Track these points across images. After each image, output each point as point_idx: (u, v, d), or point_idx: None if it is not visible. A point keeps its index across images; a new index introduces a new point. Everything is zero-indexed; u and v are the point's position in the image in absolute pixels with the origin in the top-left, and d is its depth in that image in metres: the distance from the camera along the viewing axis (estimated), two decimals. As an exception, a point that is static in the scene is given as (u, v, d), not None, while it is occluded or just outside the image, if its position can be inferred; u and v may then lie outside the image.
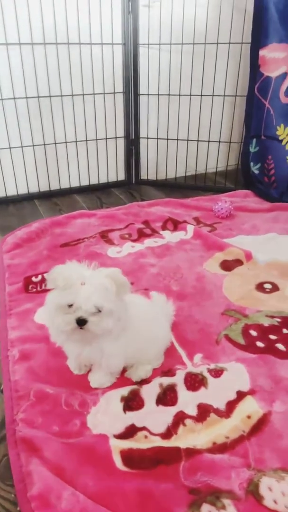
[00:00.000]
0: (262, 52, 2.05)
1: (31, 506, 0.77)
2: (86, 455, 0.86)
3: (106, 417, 0.95)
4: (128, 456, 0.85)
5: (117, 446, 0.87)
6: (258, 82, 2.14)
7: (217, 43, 2.15)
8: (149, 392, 1.01)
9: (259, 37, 2.02)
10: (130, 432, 0.92)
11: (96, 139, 2.32)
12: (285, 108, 2.08)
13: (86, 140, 2.29)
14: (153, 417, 0.95)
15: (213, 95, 2.25)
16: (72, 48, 2.07)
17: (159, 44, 2.21)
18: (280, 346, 1.16)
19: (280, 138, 2.15)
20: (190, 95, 2.28)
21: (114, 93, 2.26)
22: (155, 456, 0.85)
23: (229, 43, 2.13)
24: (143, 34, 2.17)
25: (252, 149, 2.28)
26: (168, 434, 0.91)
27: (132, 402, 0.99)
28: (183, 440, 0.90)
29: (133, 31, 2.14)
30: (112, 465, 0.84)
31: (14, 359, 1.12)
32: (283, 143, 2.14)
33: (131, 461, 0.85)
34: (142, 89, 2.29)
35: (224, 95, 2.27)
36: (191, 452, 0.86)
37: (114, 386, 1.03)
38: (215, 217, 2.01)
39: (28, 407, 0.98)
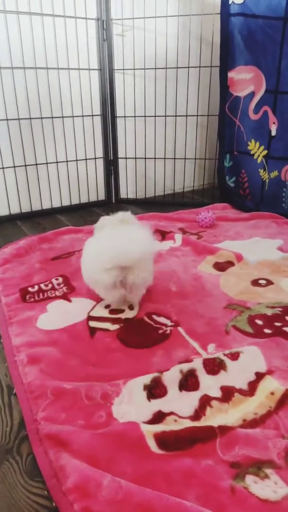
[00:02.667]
0: (230, 74, 2.21)
1: (68, 499, 0.72)
2: (119, 443, 0.82)
3: (131, 406, 0.92)
4: (163, 439, 0.83)
5: (149, 430, 0.84)
6: (228, 102, 2.29)
7: (188, 67, 2.30)
8: (171, 379, 0.99)
9: (227, 60, 2.19)
10: (158, 417, 0.89)
11: (76, 160, 2.36)
12: (254, 125, 2.23)
13: (67, 161, 2.33)
14: (179, 402, 0.93)
15: (186, 115, 2.38)
16: (51, 73, 2.14)
17: (133, 69, 2.33)
18: (287, 330, 1.19)
19: (252, 152, 2.29)
20: (165, 116, 2.40)
21: (92, 115, 2.34)
22: (190, 436, 0.83)
23: (199, 66, 2.29)
24: (118, 60, 2.29)
25: (226, 163, 2.40)
26: (196, 416, 0.90)
27: (155, 390, 0.97)
28: (212, 420, 0.89)
29: (108, 58, 2.26)
30: (147, 450, 0.81)
31: (23, 363, 1.08)
32: (255, 157, 2.28)
33: (166, 443, 0.82)
34: (119, 112, 2.38)
35: (197, 115, 2.40)
36: (225, 429, 0.85)
37: (134, 375, 1.01)
38: (199, 226, 2.07)
39: (47, 405, 0.93)
